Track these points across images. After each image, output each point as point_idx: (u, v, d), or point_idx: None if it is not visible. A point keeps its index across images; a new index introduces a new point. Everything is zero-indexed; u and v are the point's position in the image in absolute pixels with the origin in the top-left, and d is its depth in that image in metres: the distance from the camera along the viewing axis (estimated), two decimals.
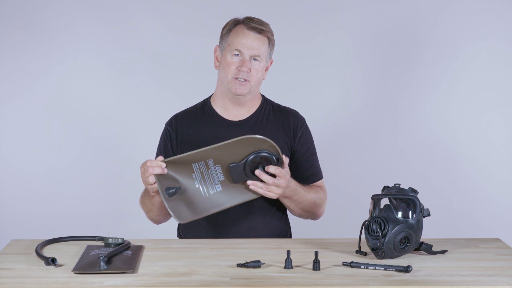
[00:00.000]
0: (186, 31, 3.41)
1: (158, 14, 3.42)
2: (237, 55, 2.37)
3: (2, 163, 3.46)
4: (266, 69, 2.45)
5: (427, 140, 3.46)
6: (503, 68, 3.42)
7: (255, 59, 2.37)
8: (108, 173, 3.50)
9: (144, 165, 2.18)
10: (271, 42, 2.42)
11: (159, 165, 2.16)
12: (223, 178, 2.23)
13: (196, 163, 2.20)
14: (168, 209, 2.21)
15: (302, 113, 2.53)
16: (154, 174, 2.16)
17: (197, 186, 2.22)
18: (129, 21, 3.41)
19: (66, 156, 3.47)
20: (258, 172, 2.19)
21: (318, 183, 2.50)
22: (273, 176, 2.21)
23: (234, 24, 2.41)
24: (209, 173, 2.22)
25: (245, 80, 2.36)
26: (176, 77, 3.46)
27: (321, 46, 3.45)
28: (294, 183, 2.32)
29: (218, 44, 2.46)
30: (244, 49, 2.36)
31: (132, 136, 3.47)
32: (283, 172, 2.21)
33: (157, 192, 2.23)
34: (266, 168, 2.20)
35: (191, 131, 2.45)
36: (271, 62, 2.47)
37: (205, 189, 2.23)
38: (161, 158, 2.19)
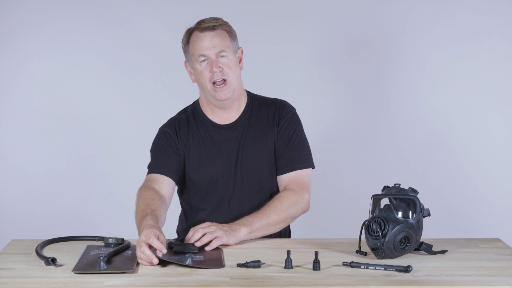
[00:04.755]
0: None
1: (158, 14, 3.42)
2: (203, 60, 2.36)
3: (2, 163, 3.46)
4: (240, 60, 2.44)
5: (427, 140, 3.46)
6: (503, 68, 3.41)
7: (222, 56, 2.35)
8: (107, 173, 3.50)
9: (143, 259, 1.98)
10: (230, 33, 2.39)
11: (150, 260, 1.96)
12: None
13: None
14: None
15: (302, 113, 2.51)
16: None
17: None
18: (128, 21, 3.41)
19: (66, 156, 3.47)
20: (192, 241, 2.12)
21: (298, 173, 2.40)
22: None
23: (189, 34, 2.40)
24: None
25: (223, 81, 2.35)
26: (175, 77, 3.46)
27: (321, 46, 3.45)
28: (240, 223, 2.24)
29: (185, 59, 2.45)
30: (207, 51, 2.34)
31: (132, 136, 3.47)
32: (197, 227, 2.15)
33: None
34: (188, 241, 2.14)
35: (187, 136, 2.46)
36: (242, 51, 2.45)
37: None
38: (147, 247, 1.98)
